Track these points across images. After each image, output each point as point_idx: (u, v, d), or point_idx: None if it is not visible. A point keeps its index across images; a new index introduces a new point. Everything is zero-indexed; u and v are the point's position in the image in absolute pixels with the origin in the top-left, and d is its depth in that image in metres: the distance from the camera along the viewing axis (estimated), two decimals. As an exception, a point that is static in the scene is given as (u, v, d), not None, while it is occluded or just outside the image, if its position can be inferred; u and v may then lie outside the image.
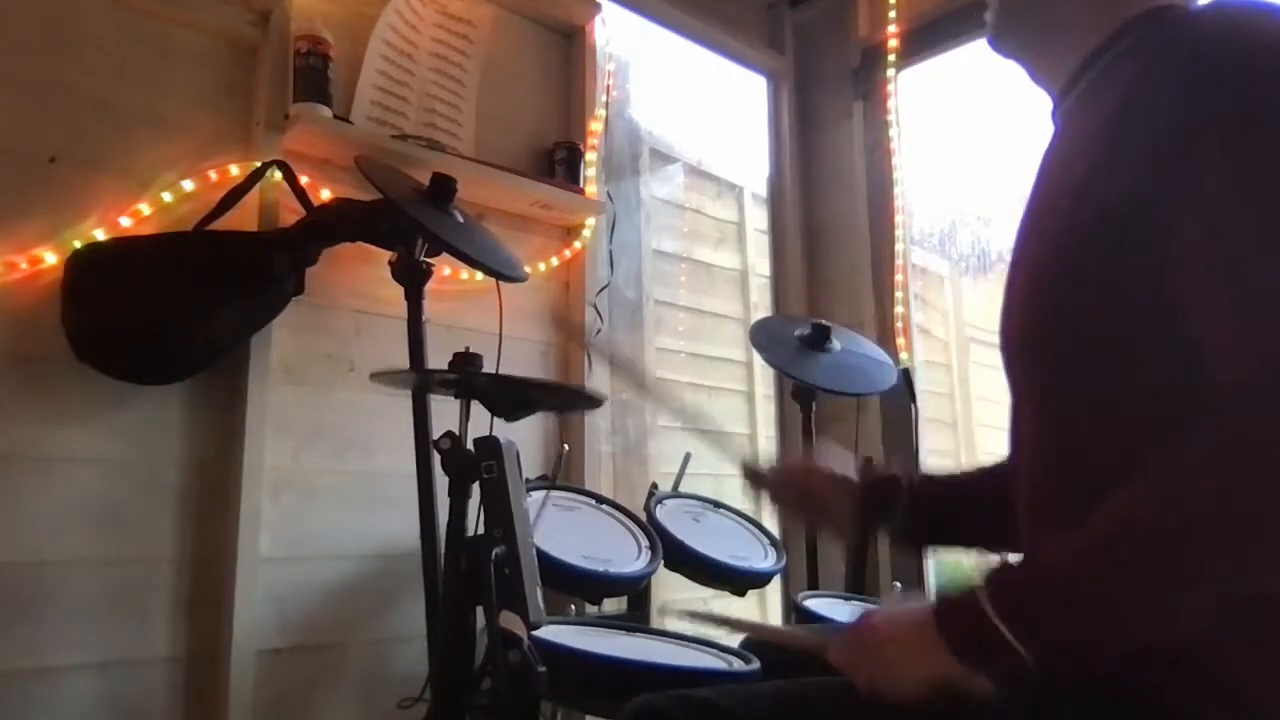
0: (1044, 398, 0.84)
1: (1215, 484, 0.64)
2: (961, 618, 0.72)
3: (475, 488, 1.21)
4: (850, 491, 1.08)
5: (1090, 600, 0.68)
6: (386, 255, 1.59)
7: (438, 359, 1.45)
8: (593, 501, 1.82)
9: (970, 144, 2.83)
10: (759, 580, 1.86)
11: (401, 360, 1.54)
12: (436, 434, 1.24)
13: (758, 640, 1.25)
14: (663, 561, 1.72)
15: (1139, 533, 0.66)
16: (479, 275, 1.87)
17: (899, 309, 2.44)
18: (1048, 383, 0.83)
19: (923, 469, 1.10)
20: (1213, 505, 0.64)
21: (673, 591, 2.32)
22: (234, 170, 1.62)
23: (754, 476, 1.14)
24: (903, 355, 2.40)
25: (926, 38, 2.48)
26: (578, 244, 2.15)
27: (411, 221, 1.46)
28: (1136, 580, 0.66)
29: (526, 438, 1.95)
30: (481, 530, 1.18)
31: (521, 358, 2.02)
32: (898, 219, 2.48)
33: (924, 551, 1.10)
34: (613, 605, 1.78)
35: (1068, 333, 0.80)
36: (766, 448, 2.88)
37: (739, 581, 1.83)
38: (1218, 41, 0.73)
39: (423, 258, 1.56)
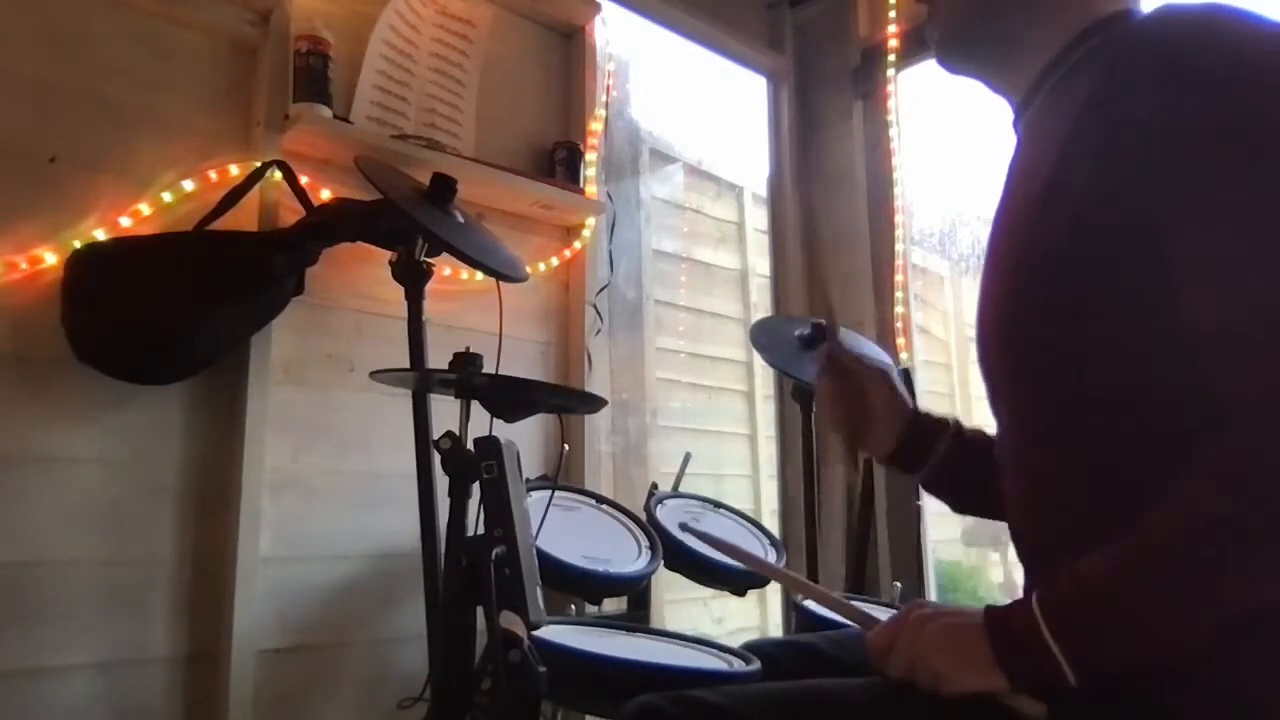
0: (1025, 404, 0.85)
1: (1244, 499, 0.65)
2: (1015, 634, 0.72)
3: (475, 488, 1.21)
4: (901, 413, 1.05)
5: (1141, 624, 0.69)
6: (386, 255, 1.59)
7: (438, 359, 1.45)
8: (593, 501, 1.82)
9: (970, 144, 2.83)
10: (759, 580, 1.86)
11: (401, 360, 1.54)
12: (436, 434, 1.24)
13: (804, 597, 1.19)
14: (663, 561, 1.72)
15: (1180, 551, 0.67)
16: (479, 275, 1.87)
17: (899, 309, 2.44)
18: (1029, 389, 0.84)
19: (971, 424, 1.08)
20: (1244, 521, 0.65)
21: (673, 591, 2.32)
22: (234, 170, 1.62)
23: (832, 355, 1.09)
24: (903, 355, 2.40)
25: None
26: (578, 244, 2.15)
27: (412, 222, 1.46)
28: (1183, 600, 0.68)
29: (527, 438, 1.95)
30: (481, 530, 1.18)
31: (522, 358, 2.02)
32: (898, 219, 2.48)
33: (953, 502, 1.08)
34: (613, 605, 1.79)
35: (1049, 337, 0.80)
36: (767, 448, 2.88)
37: (739, 582, 1.83)
38: (1196, 44, 0.72)
39: (423, 258, 1.56)
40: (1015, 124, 0.93)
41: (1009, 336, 0.85)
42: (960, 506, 1.09)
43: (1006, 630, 0.72)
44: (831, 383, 1.08)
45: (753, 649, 1.22)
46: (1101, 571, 0.70)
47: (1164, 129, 0.71)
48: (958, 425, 1.06)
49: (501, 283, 1.55)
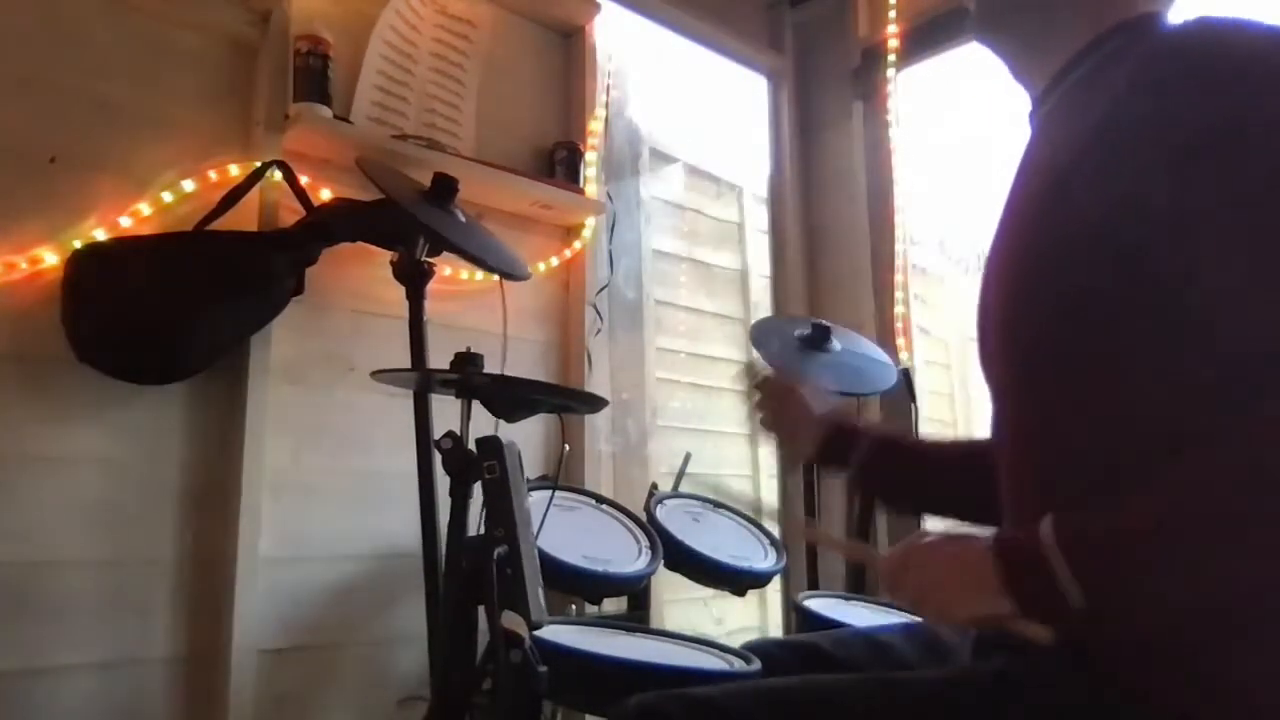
0: (1023, 396, 0.85)
1: (1268, 476, 0.65)
2: (1021, 555, 0.72)
3: (477, 488, 1.21)
4: (817, 425, 1.18)
5: (1146, 556, 0.69)
6: (387, 255, 1.59)
7: (437, 359, 1.45)
8: (593, 501, 1.82)
9: (970, 144, 2.83)
10: (759, 580, 1.86)
11: (402, 360, 1.54)
12: (437, 434, 1.24)
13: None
14: (663, 561, 1.72)
15: (1206, 506, 0.67)
16: (479, 275, 1.87)
17: (899, 309, 2.44)
18: (1027, 381, 0.84)
19: (901, 430, 1.19)
20: (1265, 493, 0.65)
21: (673, 591, 2.32)
22: (234, 170, 1.62)
23: (755, 381, 1.26)
24: (903, 355, 2.40)
25: (926, 38, 2.48)
26: (578, 244, 2.15)
27: (415, 222, 1.46)
28: (1193, 546, 0.67)
29: (527, 438, 1.95)
30: (483, 530, 1.18)
31: (522, 358, 2.02)
32: (898, 219, 2.48)
33: (884, 505, 1.21)
34: (613, 605, 1.78)
35: (1050, 330, 0.80)
36: (767, 449, 2.89)
37: (739, 582, 1.82)
38: (1213, 55, 0.74)
39: (424, 257, 1.56)
40: (1031, 116, 0.94)
41: (1009, 326, 0.86)
42: (888, 505, 1.24)
43: (1012, 551, 0.73)
44: (758, 400, 1.26)
45: (753, 649, 1.22)
46: (1114, 512, 0.70)
47: (1177, 132, 0.72)
48: (884, 435, 1.16)
49: (504, 282, 1.55)
